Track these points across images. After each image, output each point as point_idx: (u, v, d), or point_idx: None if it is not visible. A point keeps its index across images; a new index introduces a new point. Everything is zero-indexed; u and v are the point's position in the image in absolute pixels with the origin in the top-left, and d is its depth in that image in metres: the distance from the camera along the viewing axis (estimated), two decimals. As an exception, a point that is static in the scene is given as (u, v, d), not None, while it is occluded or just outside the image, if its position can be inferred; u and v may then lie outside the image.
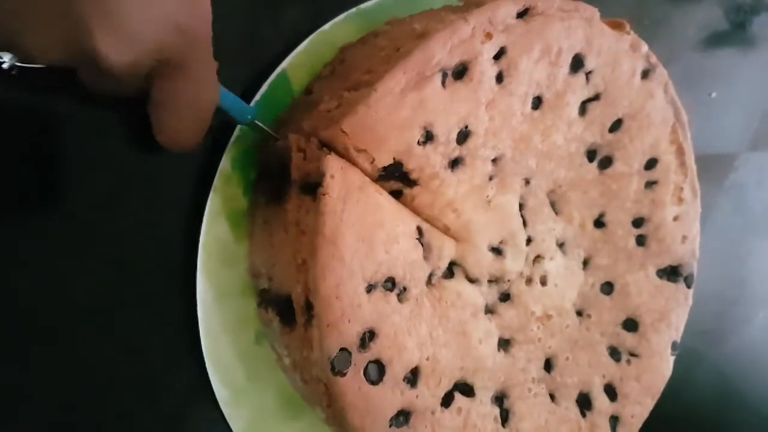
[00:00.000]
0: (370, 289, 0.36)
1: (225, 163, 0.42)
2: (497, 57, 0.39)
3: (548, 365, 0.46)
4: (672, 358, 0.51)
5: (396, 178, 0.38)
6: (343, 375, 0.35)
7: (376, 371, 0.36)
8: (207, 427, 0.44)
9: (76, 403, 0.40)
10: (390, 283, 0.37)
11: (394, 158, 0.37)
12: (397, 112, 0.36)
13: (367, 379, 0.36)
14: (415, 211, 0.40)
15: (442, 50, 0.36)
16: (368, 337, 0.36)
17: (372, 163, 0.36)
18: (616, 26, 0.45)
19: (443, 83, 0.37)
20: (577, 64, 0.43)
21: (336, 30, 0.44)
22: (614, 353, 0.49)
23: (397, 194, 0.39)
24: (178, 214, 0.42)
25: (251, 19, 0.44)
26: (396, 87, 0.36)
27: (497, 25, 0.38)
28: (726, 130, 0.73)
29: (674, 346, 0.51)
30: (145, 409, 0.42)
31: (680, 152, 0.50)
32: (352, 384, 0.35)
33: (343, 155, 0.36)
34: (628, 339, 0.49)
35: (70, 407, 0.40)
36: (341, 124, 0.35)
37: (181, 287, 0.42)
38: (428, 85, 0.37)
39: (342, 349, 0.35)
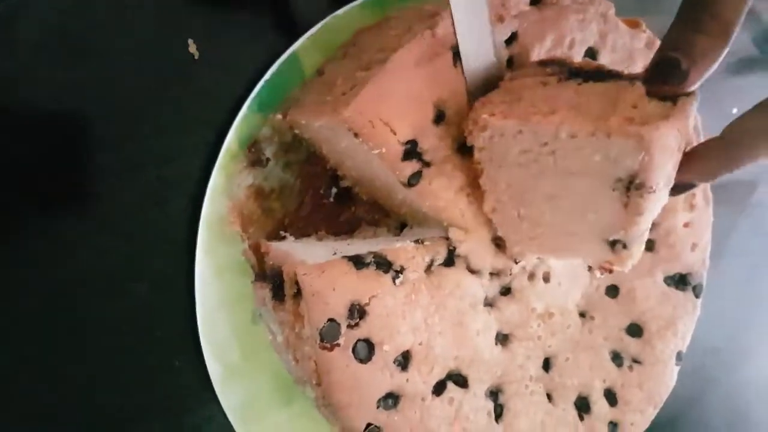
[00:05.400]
0: (360, 265, 0.36)
1: (231, 141, 0.42)
2: (509, 42, 0.39)
3: (547, 364, 0.45)
4: (677, 369, 0.50)
5: (416, 158, 0.38)
6: (331, 349, 0.34)
7: (366, 350, 0.36)
8: (201, 404, 0.44)
9: (74, 374, 0.40)
10: (382, 263, 0.37)
11: (412, 135, 0.37)
12: (412, 84, 0.36)
13: (355, 357, 0.35)
14: (432, 196, 0.39)
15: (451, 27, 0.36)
16: (357, 311, 0.35)
17: (395, 135, 0.36)
18: (633, 25, 0.44)
19: (455, 62, 0.37)
20: (590, 58, 0.42)
21: (350, 15, 0.44)
22: (616, 358, 0.47)
23: (417, 176, 0.38)
24: (186, 191, 0.43)
25: (268, 2, 0.44)
26: (409, 60, 0.36)
27: (510, 9, 0.38)
28: None
29: (679, 356, 0.49)
30: (142, 382, 0.42)
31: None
32: (340, 361, 0.35)
33: (367, 132, 0.36)
34: (632, 345, 0.48)
35: (66, 378, 0.40)
36: (360, 97, 0.35)
37: (186, 263, 0.42)
38: (440, 61, 0.37)
39: (330, 320, 0.34)
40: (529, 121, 0.33)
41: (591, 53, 0.42)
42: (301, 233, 0.44)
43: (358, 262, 0.36)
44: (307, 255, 0.37)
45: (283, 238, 0.43)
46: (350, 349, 0.35)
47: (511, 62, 0.40)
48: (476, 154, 0.37)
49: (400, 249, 0.38)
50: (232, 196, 0.41)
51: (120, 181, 0.41)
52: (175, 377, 0.43)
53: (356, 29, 0.43)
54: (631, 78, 0.34)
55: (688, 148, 0.34)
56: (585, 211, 0.35)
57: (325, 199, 0.46)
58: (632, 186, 0.32)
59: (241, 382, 0.43)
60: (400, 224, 0.46)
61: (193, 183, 0.43)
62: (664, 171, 0.32)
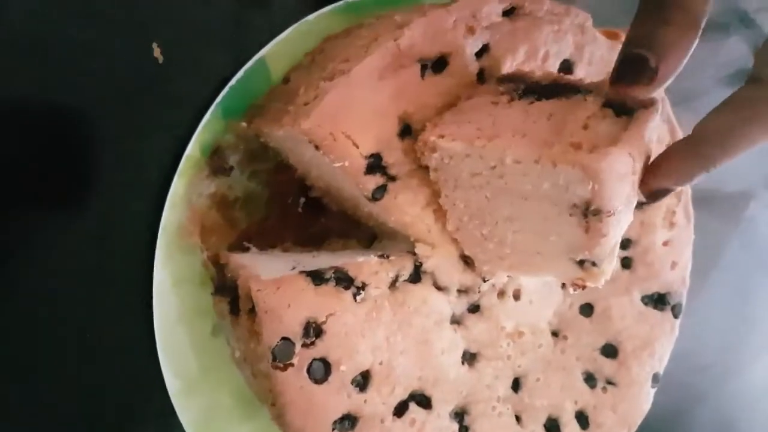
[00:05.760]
0: (318, 281, 0.34)
1: (193, 148, 0.40)
2: (479, 54, 0.38)
3: (516, 384, 0.44)
4: (652, 391, 0.48)
5: (379, 172, 0.36)
6: (284, 368, 0.33)
7: (322, 370, 0.34)
8: (159, 418, 0.42)
9: (25, 381, 0.39)
10: (343, 279, 0.35)
11: (376, 149, 0.36)
12: (375, 97, 0.35)
13: (310, 377, 0.34)
14: (398, 211, 0.38)
15: (420, 38, 0.35)
16: (313, 330, 0.34)
17: (357, 148, 0.35)
18: (612, 36, 0.43)
19: (422, 74, 0.36)
20: (566, 71, 0.41)
21: (321, 21, 0.43)
22: (590, 379, 0.46)
23: (382, 190, 0.37)
24: (148, 199, 0.41)
25: (239, 5, 0.43)
26: (373, 72, 0.35)
27: (481, 21, 0.37)
28: (741, 167, 0.71)
29: (656, 378, 0.48)
30: (97, 394, 0.41)
31: (674, 174, 0.48)
32: (294, 381, 0.34)
33: (328, 145, 0.34)
34: (606, 365, 0.47)
35: (22, 388, 0.39)
36: (320, 108, 0.34)
37: (146, 273, 0.41)
38: (406, 73, 0.35)
39: (284, 339, 0.33)
40: (474, 144, 0.32)
41: (567, 66, 0.41)
42: (266, 244, 0.43)
43: (316, 277, 0.35)
44: (266, 268, 0.36)
45: (247, 249, 0.42)
46: (305, 369, 0.34)
47: (482, 76, 0.38)
48: (431, 175, 0.36)
49: (364, 264, 0.37)
50: (193, 204, 0.40)
51: (80, 186, 0.39)
52: (134, 390, 0.42)
53: (325, 36, 0.42)
54: (589, 89, 0.33)
55: (653, 158, 0.33)
56: (546, 233, 0.34)
57: (293, 209, 0.44)
58: (589, 212, 0.31)
59: (200, 397, 0.42)
60: (370, 236, 0.45)
61: (155, 191, 0.41)
62: (620, 194, 0.31)
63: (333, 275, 0.36)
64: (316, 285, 0.35)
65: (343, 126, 0.34)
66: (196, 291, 0.41)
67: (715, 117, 0.30)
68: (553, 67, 0.40)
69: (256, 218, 0.43)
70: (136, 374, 0.42)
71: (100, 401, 0.41)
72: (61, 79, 0.38)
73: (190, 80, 0.42)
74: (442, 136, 0.34)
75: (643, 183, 0.32)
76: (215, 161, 0.40)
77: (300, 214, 0.45)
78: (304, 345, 0.34)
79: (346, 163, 0.35)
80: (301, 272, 0.35)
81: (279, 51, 0.42)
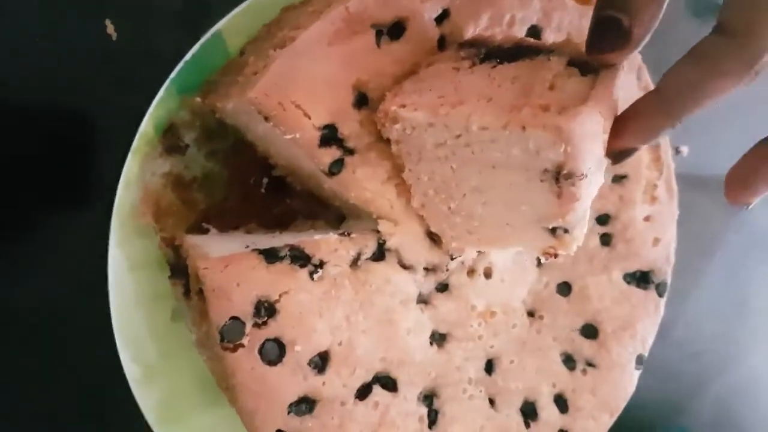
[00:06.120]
0: (272, 259, 0.33)
1: (147, 126, 0.39)
2: (439, 20, 0.36)
3: (489, 366, 0.42)
4: (637, 373, 0.47)
5: (335, 144, 0.35)
6: (234, 349, 0.32)
7: (276, 351, 0.33)
8: (120, 405, 0.41)
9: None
10: (298, 257, 0.34)
11: (330, 120, 0.34)
12: (326, 64, 0.33)
13: (263, 358, 0.33)
14: (357, 186, 0.37)
15: (372, 2, 0.34)
16: (265, 309, 0.32)
17: (309, 119, 0.33)
18: (583, 1, 0.41)
19: (378, 42, 0.35)
20: (533, 37, 0.39)
21: (281, -8, 0.41)
22: (568, 361, 0.44)
23: (339, 163, 0.35)
24: (103, 180, 0.40)
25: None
26: (322, 38, 0.33)
27: (439, -15, 0.35)
28: (738, 150, 0.70)
29: (639, 359, 0.46)
30: (58, 381, 0.40)
31: (654, 146, 0.46)
32: (245, 362, 0.32)
33: (278, 115, 0.33)
34: (586, 346, 0.45)
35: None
36: (266, 77, 0.32)
37: (100, 258, 0.40)
38: (359, 39, 0.34)
39: (233, 318, 0.32)
40: (437, 113, 0.31)
41: (534, 32, 0.39)
42: (227, 226, 0.42)
43: (270, 255, 0.34)
44: (219, 248, 0.35)
45: (206, 231, 0.40)
46: (256, 350, 0.32)
47: (443, 43, 0.37)
48: (393, 148, 0.34)
49: (321, 241, 0.36)
50: (146, 184, 0.39)
51: (34, 168, 0.38)
52: (94, 377, 0.41)
53: (283, 6, 0.41)
54: (552, 50, 0.31)
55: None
56: (516, 203, 0.32)
57: (255, 190, 0.43)
58: (561, 177, 0.29)
59: (161, 383, 0.40)
60: (339, 217, 0.44)
61: (110, 171, 0.40)
62: (593, 155, 0.29)
63: (288, 253, 0.34)
64: (269, 263, 0.33)
65: (292, 95, 0.32)
66: (154, 275, 0.40)
67: (678, 70, 0.29)
68: (519, 33, 0.38)
69: (216, 199, 0.42)
70: (96, 361, 0.41)
71: (59, 389, 0.40)
72: (12, 57, 0.37)
73: (145, 57, 0.41)
74: (403, 106, 0.32)
75: (608, 143, 0.30)
76: (169, 139, 0.39)
77: (263, 194, 0.43)
78: (256, 325, 0.32)
79: (298, 135, 0.33)
80: (254, 250, 0.33)
81: (236, 24, 0.40)
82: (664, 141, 0.46)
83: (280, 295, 0.33)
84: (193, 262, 0.33)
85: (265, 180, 0.43)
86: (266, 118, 0.33)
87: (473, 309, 0.41)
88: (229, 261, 0.32)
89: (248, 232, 0.42)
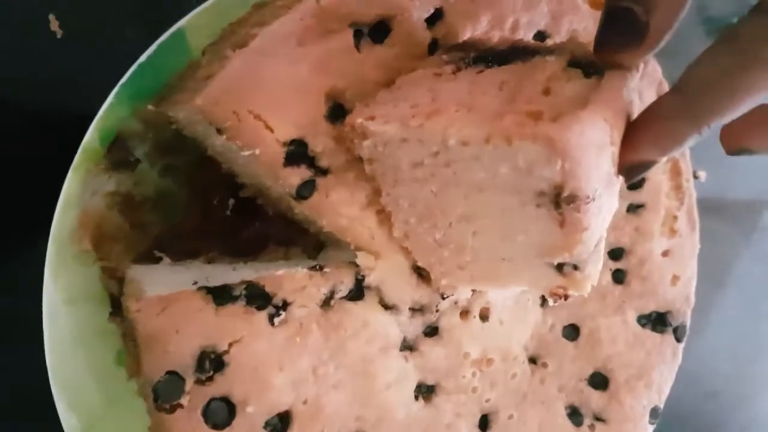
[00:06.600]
0: (222, 300, 0.27)
1: (91, 138, 0.34)
2: (431, 21, 0.31)
3: (484, 423, 0.37)
4: (650, 429, 0.41)
5: (305, 163, 0.30)
6: (171, 411, 0.26)
7: (224, 412, 0.28)
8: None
9: None
10: (256, 296, 0.28)
11: (297, 134, 0.29)
12: (293, 68, 0.28)
13: (207, 421, 0.27)
14: (331, 212, 0.31)
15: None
16: (211, 362, 0.27)
17: (272, 132, 0.28)
18: (598, 6, 0.36)
19: (357, 42, 0.29)
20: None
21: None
22: (574, 415, 0.39)
23: (309, 186, 0.30)
24: (41, 198, 0.35)
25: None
26: (290, 36, 0.28)
27: (429, -22, 0.30)
28: (754, 172, 0.65)
29: (654, 413, 0.41)
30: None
31: (675, 172, 0.41)
32: (185, 425, 0.27)
33: (232, 127, 0.28)
34: (594, 398, 0.39)
35: None
36: (218, 81, 0.27)
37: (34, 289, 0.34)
38: (334, 40, 0.29)
39: (170, 373, 0.26)
40: (408, 125, 0.25)
41: (541, 39, 0.34)
42: (185, 254, 0.36)
43: (220, 295, 0.28)
44: (165, 284, 0.29)
45: (159, 259, 0.35)
46: (199, 411, 0.27)
47: (435, 47, 0.31)
48: (366, 168, 0.29)
49: (285, 277, 0.30)
50: (85, 204, 0.33)
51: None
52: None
53: (254, 3, 0.35)
54: (551, 51, 0.25)
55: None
56: (511, 233, 0.27)
57: (219, 211, 0.38)
58: (561, 200, 0.23)
59: (103, 435, 0.35)
60: (317, 244, 0.38)
61: (49, 189, 0.35)
62: (598, 173, 0.24)
63: (243, 292, 0.29)
64: (218, 305, 0.28)
65: (250, 103, 0.27)
66: (96, 309, 0.35)
67: (706, 59, 0.23)
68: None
69: (173, 222, 0.36)
70: (31, 410, 0.35)
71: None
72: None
73: (94, 58, 0.36)
74: (371, 118, 0.27)
75: (619, 156, 0.25)
76: (115, 153, 0.33)
77: (228, 217, 0.38)
78: (199, 381, 0.27)
79: (257, 151, 0.28)
80: (201, 288, 0.28)
81: (202, 22, 0.35)
82: (687, 166, 0.41)
83: (229, 345, 0.28)
84: (125, 302, 0.27)
85: (232, 201, 0.38)
86: (218, 131, 0.28)
87: (466, 356, 0.36)
88: (168, 302, 0.27)
89: (209, 261, 0.36)
